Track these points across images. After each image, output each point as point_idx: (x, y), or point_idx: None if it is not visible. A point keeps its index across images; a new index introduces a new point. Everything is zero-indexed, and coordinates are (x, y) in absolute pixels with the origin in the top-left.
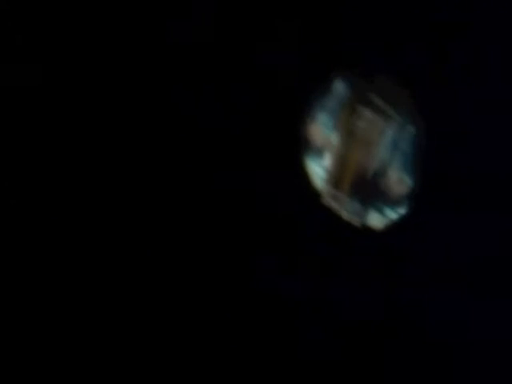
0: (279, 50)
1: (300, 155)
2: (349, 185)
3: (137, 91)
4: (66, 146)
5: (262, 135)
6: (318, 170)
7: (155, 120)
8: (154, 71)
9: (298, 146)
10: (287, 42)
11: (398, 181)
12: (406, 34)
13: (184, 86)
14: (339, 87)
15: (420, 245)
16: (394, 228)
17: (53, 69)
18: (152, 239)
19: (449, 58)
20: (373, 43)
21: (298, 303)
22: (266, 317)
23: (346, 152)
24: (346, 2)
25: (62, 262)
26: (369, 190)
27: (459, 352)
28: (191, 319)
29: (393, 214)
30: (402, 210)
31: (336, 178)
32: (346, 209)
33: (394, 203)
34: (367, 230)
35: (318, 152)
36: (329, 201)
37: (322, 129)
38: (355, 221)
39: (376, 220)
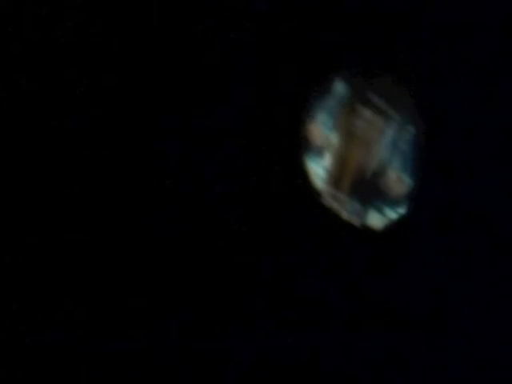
0: (279, 49)
1: (300, 155)
2: (348, 185)
3: (137, 91)
4: (66, 146)
5: (262, 135)
6: (318, 169)
7: (155, 120)
8: (154, 71)
9: (298, 146)
10: (287, 42)
11: (398, 181)
12: (406, 34)
13: (184, 85)
14: (339, 87)
15: (420, 245)
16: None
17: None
18: (152, 239)
19: (449, 58)
20: (373, 43)
21: (297, 303)
22: (266, 317)
23: (346, 152)
24: (346, 1)
25: (62, 261)
26: (368, 190)
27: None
28: (191, 319)
29: (392, 214)
30: (402, 210)
31: (336, 178)
32: (345, 209)
33: (393, 203)
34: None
35: (318, 152)
36: (329, 201)
37: (322, 129)
38: (355, 221)
39: (376, 220)
